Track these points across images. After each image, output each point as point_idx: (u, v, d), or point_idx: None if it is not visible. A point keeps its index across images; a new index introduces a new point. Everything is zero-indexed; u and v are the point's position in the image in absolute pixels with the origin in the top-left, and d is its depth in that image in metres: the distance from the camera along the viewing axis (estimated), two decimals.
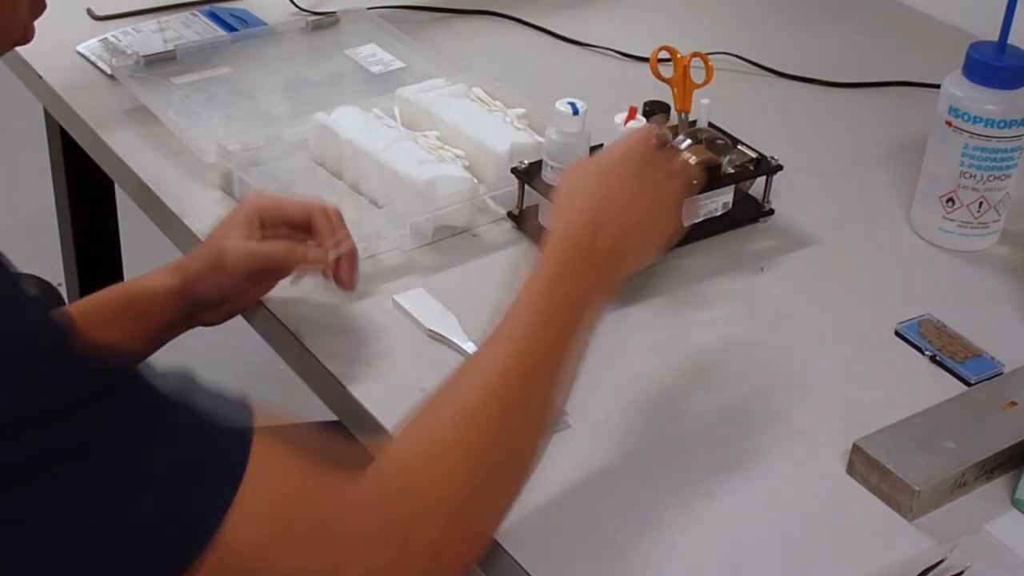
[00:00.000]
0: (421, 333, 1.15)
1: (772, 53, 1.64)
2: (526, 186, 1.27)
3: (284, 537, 0.79)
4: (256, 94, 1.49)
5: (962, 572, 0.94)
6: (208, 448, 0.78)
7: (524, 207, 1.29)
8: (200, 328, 1.20)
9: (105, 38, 1.58)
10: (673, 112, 1.31)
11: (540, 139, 1.32)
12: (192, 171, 1.35)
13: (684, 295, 1.23)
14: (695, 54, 1.33)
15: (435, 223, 1.27)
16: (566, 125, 1.23)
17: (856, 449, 1.02)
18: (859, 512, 1.00)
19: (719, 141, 1.29)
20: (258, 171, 1.29)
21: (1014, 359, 1.14)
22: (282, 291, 1.18)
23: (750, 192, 1.33)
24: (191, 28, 1.61)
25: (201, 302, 1.16)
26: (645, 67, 1.33)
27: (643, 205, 1.01)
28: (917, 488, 0.98)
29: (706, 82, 1.32)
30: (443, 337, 1.14)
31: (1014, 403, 1.07)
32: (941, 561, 0.95)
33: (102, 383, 0.76)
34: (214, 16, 1.64)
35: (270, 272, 1.16)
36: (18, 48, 1.07)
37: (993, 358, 1.15)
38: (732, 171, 1.28)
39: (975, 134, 1.25)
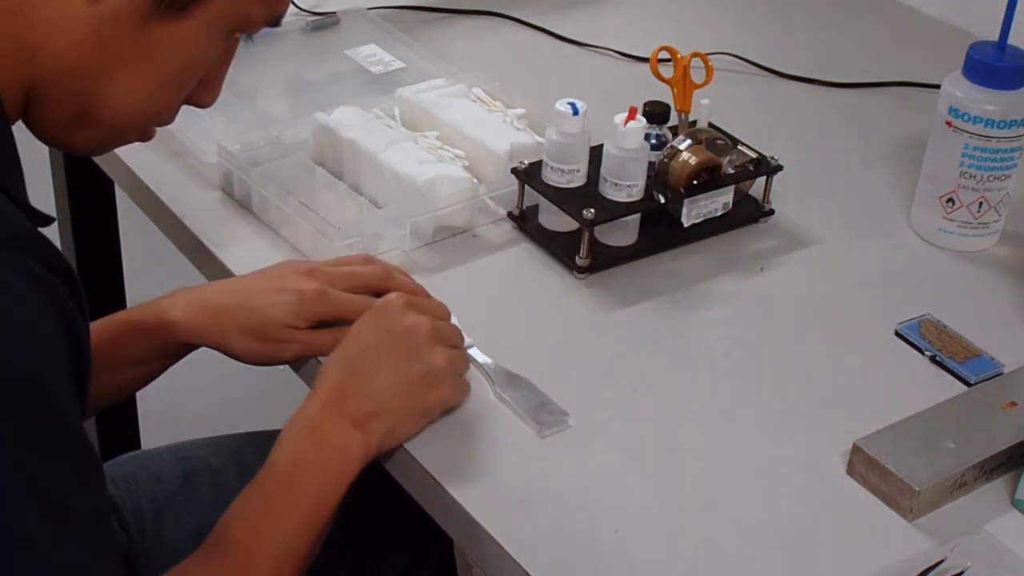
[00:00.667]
0: None
1: (772, 53, 1.64)
2: (526, 186, 1.27)
3: None
4: (256, 94, 1.49)
5: (962, 572, 0.94)
6: None
7: (524, 207, 1.29)
8: None
9: None
10: (673, 112, 1.31)
11: (540, 139, 1.32)
12: (192, 171, 1.35)
13: (684, 295, 1.23)
14: (695, 54, 1.33)
15: (435, 223, 1.27)
16: (566, 125, 1.23)
17: (856, 449, 1.02)
18: (859, 512, 1.00)
19: (719, 141, 1.29)
20: (258, 171, 1.29)
21: (1014, 359, 1.14)
22: None
23: (750, 192, 1.33)
24: None
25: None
26: (645, 67, 1.34)
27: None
28: (917, 488, 0.98)
29: (706, 82, 1.32)
30: None
31: (1014, 403, 1.07)
32: (941, 561, 0.95)
33: None
34: None
35: None
36: None
37: (993, 358, 1.15)
38: (732, 171, 1.28)
39: (975, 134, 1.25)
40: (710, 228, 1.28)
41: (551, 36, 1.68)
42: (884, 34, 1.75)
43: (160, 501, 1.27)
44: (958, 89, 1.26)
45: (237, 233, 1.28)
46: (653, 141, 1.27)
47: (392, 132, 1.33)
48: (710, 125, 1.32)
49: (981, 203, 1.28)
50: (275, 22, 0.96)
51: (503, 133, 1.33)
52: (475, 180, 1.29)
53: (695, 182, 1.25)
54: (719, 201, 1.27)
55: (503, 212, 1.30)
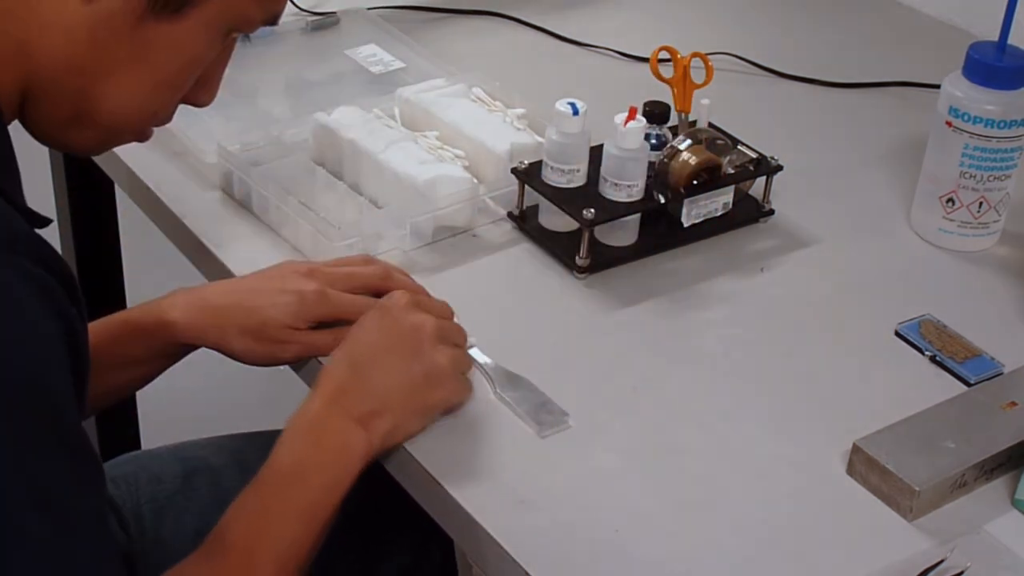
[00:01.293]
0: None
1: (772, 53, 1.64)
2: (526, 186, 1.27)
3: None
4: (256, 94, 1.49)
5: (962, 572, 0.94)
6: None
7: (524, 207, 1.29)
8: None
9: None
10: (673, 112, 1.31)
11: (540, 139, 1.32)
12: (192, 171, 1.35)
13: (684, 295, 1.23)
14: (695, 54, 1.33)
15: (435, 223, 1.27)
16: (566, 125, 1.23)
17: (856, 449, 1.02)
18: (859, 512, 1.00)
19: (719, 141, 1.29)
20: (258, 171, 1.29)
21: (1014, 359, 1.14)
22: None
23: (750, 192, 1.33)
24: None
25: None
26: (645, 67, 1.34)
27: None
28: (917, 488, 0.98)
29: (706, 82, 1.32)
30: None
31: (1014, 403, 1.07)
32: (941, 561, 0.95)
33: None
34: None
35: None
36: None
37: (993, 358, 1.15)
38: (732, 171, 1.28)
39: (975, 134, 1.25)
40: (710, 228, 1.28)
41: (551, 36, 1.68)
42: (884, 34, 1.75)
43: (160, 501, 1.27)
44: (958, 89, 1.26)
45: (237, 233, 1.28)
46: (653, 141, 1.27)
47: (392, 132, 1.33)
48: (710, 125, 1.31)
49: (981, 203, 1.28)
50: (272, 21, 0.96)
51: (503, 133, 1.33)
52: (475, 180, 1.29)
53: (695, 182, 1.25)
54: (719, 201, 1.27)
55: (503, 212, 1.30)
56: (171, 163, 1.36)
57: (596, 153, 1.25)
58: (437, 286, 1.17)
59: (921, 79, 1.59)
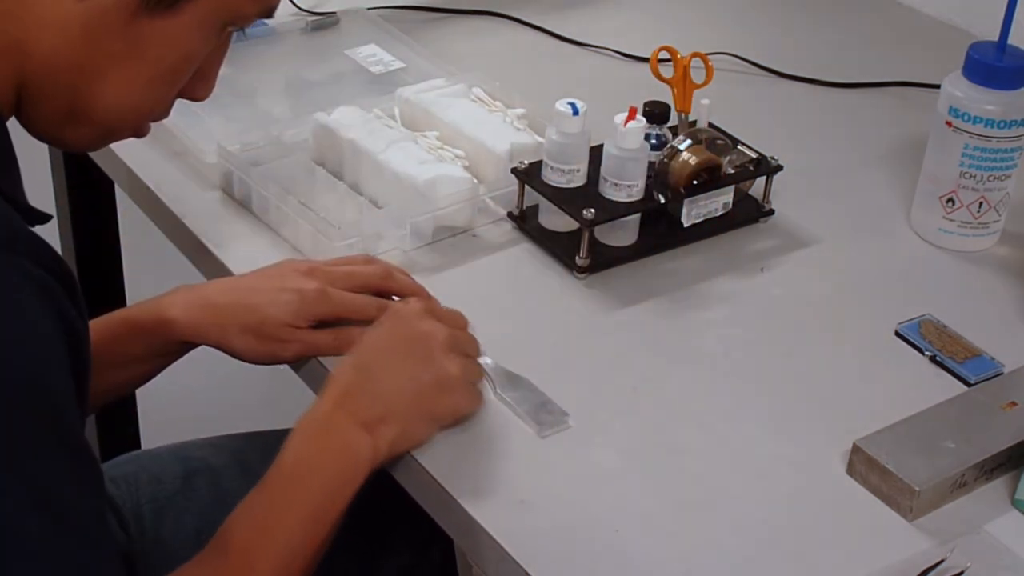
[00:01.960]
0: None
1: (772, 53, 1.64)
2: (526, 186, 1.27)
3: None
4: (256, 94, 1.49)
5: (962, 572, 0.94)
6: None
7: (524, 207, 1.29)
8: None
9: None
10: (673, 112, 1.31)
11: (540, 139, 1.32)
12: (192, 171, 1.35)
13: (684, 295, 1.23)
14: (695, 54, 1.33)
15: (435, 223, 1.27)
16: (566, 125, 1.23)
17: (856, 449, 1.02)
18: (859, 512, 1.00)
19: (719, 141, 1.29)
20: (258, 171, 1.29)
21: (1014, 359, 1.14)
22: None
23: (750, 192, 1.33)
24: None
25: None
26: (645, 67, 1.33)
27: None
28: (917, 488, 0.98)
29: (706, 82, 1.32)
30: None
31: (1014, 403, 1.07)
32: (941, 561, 0.95)
33: None
34: None
35: None
36: None
37: (993, 358, 1.15)
38: (732, 171, 1.28)
39: (975, 134, 1.25)
40: (710, 228, 1.28)
41: (551, 36, 1.68)
42: (884, 34, 1.75)
43: (160, 501, 1.27)
44: (958, 89, 1.26)
45: (237, 233, 1.28)
46: (653, 141, 1.27)
47: (392, 132, 1.33)
48: (710, 125, 1.31)
49: (981, 203, 1.28)
50: (267, 14, 0.96)
51: (503, 133, 1.33)
52: (475, 180, 1.29)
53: (695, 182, 1.25)
54: (719, 201, 1.27)
55: (503, 212, 1.30)
56: (171, 163, 1.36)
57: (596, 153, 1.25)
58: (437, 286, 1.17)
59: (921, 79, 1.59)
